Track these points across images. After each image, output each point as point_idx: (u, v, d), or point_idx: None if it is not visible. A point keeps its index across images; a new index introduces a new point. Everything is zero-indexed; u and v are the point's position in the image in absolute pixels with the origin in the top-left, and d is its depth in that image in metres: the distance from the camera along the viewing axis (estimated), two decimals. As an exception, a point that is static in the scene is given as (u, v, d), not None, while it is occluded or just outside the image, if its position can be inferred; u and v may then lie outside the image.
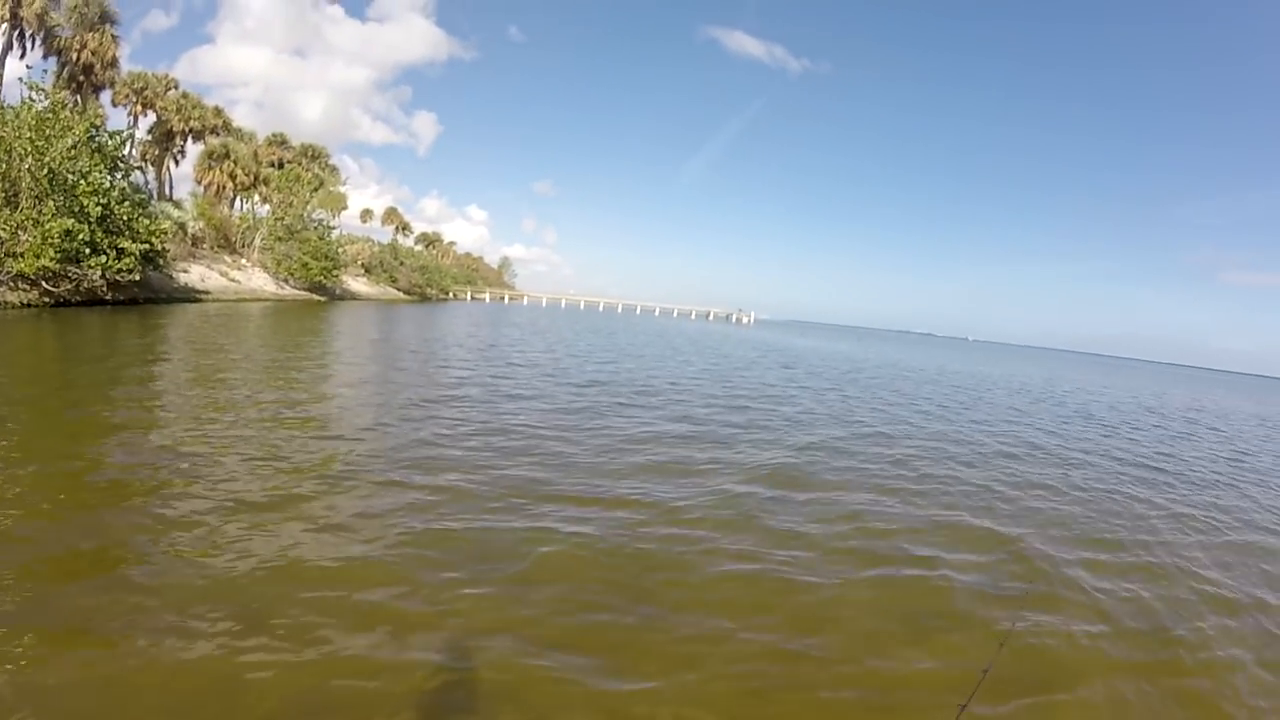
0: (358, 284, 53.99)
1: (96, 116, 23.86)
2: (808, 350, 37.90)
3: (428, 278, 69.66)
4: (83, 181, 20.22)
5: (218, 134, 46.57)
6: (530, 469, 6.92)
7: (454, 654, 3.47)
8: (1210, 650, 4.51)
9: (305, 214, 43.76)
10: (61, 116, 20.76)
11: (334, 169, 60.51)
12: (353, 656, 3.35)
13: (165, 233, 25.06)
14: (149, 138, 44.65)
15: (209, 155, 45.04)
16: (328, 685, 3.12)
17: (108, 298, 21.61)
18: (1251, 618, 5.18)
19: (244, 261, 39.19)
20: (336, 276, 44.65)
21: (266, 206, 45.33)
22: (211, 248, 36.98)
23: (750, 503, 6.58)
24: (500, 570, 4.49)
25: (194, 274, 32.03)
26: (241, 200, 47.44)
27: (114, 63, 38.60)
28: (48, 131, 19.71)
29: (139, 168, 33.54)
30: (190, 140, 46.30)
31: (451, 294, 79.37)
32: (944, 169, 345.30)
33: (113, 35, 37.95)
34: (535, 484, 6.41)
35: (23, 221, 18.91)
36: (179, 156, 47.19)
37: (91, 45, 36.78)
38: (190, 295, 29.64)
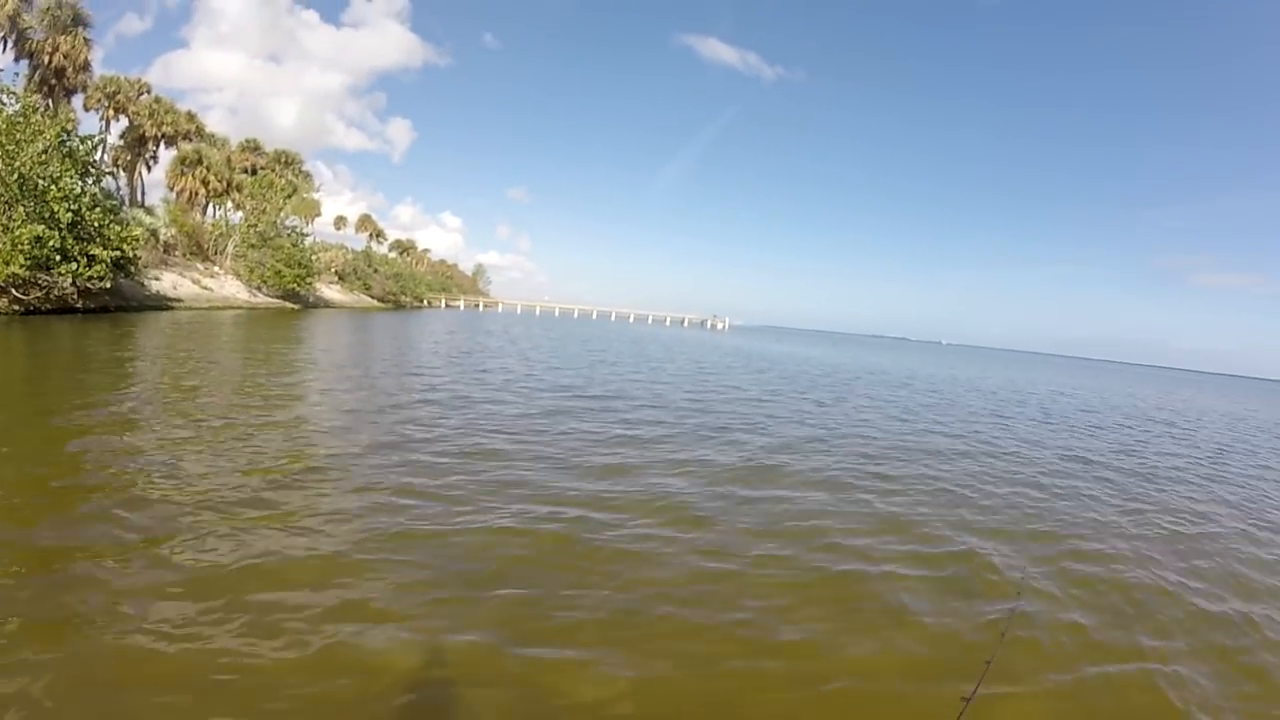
0: (331, 291, 53.65)
1: (68, 121, 23.84)
2: (782, 355, 38.56)
3: (402, 285, 69.36)
4: (53, 187, 20.03)
5: (191, 139, 46.16)
6: (500, 471, 7.13)
7: (422, 651, 3.54)
8: (1199, 636, 4.74)
9: (278, 221, 43.60)
10: (32, 121, 20.66)
11: (308, 175, 60.40)
12: (322, 653, 3.43)
13: (137, 240, 24.84)
14: (121, 143, 44.15)
15: (181, 161, 44.63)
16: (297, 682, 3.18)
17: (79, 306, 21.39)
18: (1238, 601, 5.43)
19: (217, 269, 38.89)
20: (310, 284, 44.38)
21: (239, 213, 45.07)
22: (184, 255, 36.65)
23: (723, 502, 6.80)
24: (469, 569, 4.61)
25: (166, 281, 31.75)
26: (214, 207, 47.11)
27: (86, 66, 38.23)
28: (18, 136, 19.59)
29: (110, 173, 33.32)
30: (163, 146, 45.86)
31: (426, 301, 79.05)
32: (916, 175, 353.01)
33: (85, 38, 37.63)
34: (505, 485, 6.62)
35: (-8, 227, 18.72)
36: (151, 162, 46.66)
37: (64, 48, 36.39)
38: (162, 303, 29.39)
